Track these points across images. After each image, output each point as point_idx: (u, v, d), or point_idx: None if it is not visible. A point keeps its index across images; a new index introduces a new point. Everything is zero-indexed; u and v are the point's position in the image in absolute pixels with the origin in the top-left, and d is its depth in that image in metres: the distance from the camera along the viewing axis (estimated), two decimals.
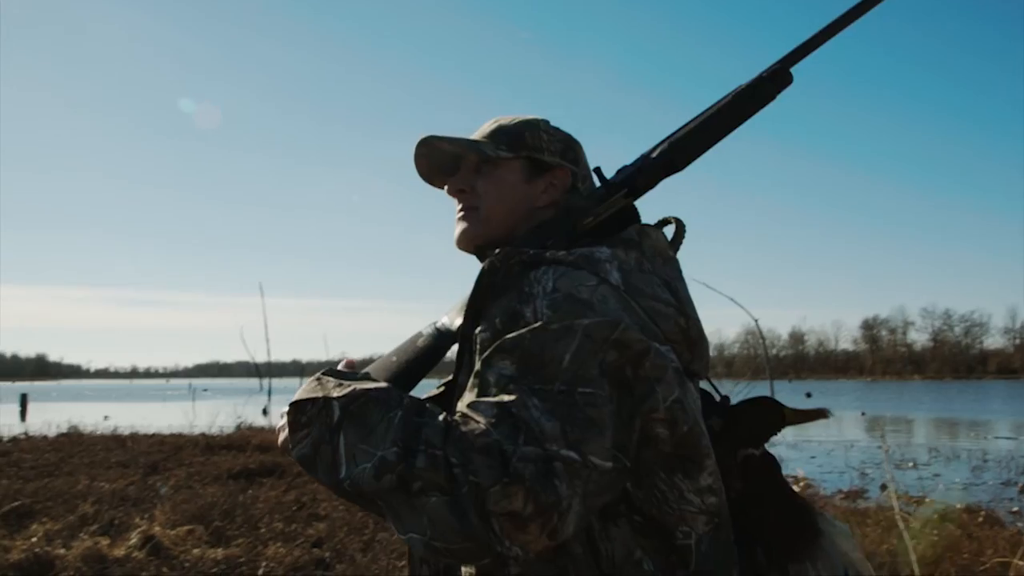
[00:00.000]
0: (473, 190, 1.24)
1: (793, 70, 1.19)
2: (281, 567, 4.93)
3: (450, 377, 1.14)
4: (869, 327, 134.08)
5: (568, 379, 0.92)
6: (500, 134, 1.25)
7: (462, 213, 1.25)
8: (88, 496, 7.19)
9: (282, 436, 1.05)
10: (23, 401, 31.09)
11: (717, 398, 1.19)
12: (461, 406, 0.96)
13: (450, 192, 1.28)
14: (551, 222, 1.19)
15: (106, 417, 20.15)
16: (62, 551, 5.16)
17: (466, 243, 1.25)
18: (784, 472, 1.18)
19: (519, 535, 0.87)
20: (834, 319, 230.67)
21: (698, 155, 1.17)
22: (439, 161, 1.28)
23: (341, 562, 5.09)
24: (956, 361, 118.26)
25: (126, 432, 15.37)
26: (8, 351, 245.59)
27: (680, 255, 1.20)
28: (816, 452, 13.91)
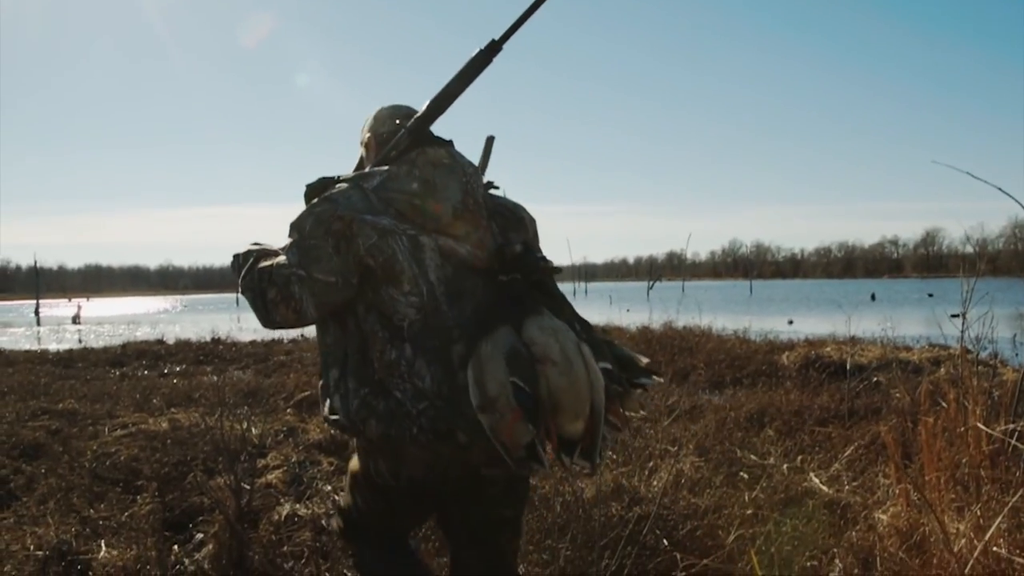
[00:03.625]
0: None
1: None
2: None
3: None
4: None
5: (306, 236, 1.80)
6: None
7: None
8: None
9: None
10: None
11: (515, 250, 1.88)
12: None
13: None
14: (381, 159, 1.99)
15: None
16: None
17: None
18: None
19: (277, 311, 1.80)
20: None
21: (444, 110, 1.92)
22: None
23: None
24: None
25: None
26: None
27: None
28: None
